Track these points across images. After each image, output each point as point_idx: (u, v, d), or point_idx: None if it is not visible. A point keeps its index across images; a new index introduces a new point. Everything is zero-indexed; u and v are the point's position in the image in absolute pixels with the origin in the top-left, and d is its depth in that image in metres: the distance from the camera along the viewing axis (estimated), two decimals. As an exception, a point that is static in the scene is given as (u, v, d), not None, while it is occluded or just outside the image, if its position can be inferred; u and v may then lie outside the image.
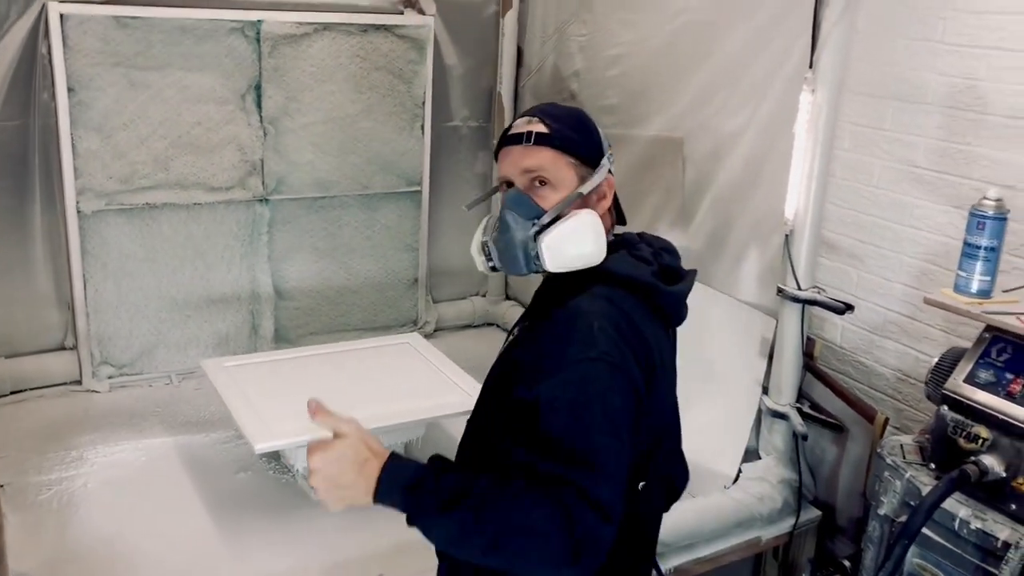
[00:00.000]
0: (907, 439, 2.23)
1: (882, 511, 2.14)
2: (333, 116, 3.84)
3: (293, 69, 3.69)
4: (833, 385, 2.83)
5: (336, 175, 3.92)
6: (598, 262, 1.39)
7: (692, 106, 3.17)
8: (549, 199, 1.40)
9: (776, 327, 2.82)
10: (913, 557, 2.04)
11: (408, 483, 1.20)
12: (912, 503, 2.03)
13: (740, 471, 2.85)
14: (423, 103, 4.03)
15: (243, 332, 3.90)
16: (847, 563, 2.41)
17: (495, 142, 4.50)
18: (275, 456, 3.04)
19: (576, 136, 1.43)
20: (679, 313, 1.47)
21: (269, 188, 3.78)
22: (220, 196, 3.68)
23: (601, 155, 1.46)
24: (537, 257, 1.39)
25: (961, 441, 1.97)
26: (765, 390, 2.88)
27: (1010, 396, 1.91)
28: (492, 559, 1.18)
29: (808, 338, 2.84)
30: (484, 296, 4.57)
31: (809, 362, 2.86)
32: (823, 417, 2.84)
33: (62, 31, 3.22)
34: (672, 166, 3.26)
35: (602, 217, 1.43)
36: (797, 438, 2.81)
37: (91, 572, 2.50)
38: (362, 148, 3.95)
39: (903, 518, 2.05)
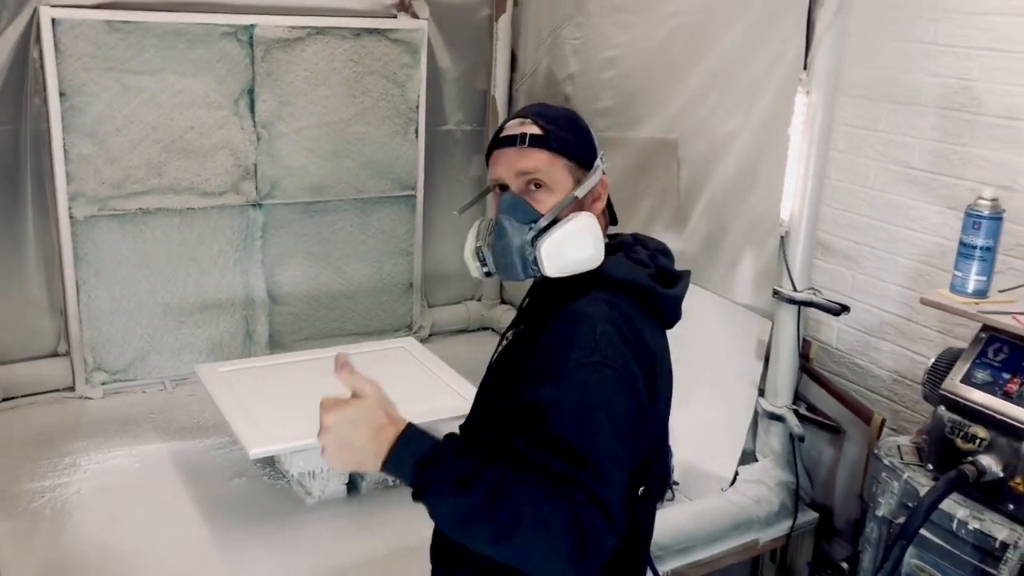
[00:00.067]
0: (904, 440, 2.23)
1: (880, 512, 2.13)
2: (327, 120, 3.83)
3: (286, 73, 3.68)
4: (829, 387, 2.83)
5: (330, 179, 3.91)
6: (596, 265, 1.38)
7: (687, 108, 3.17)
8: (545, 202, 1.39)
9: (772, 329, 2.82)
10: (911, 558, 2.03)
11: (423, 457, 1.16)
12: (910, 504, 2.03)
13: (737, 473, 2.84)
14: (417, 107, 4.02)
15: (237, 337, 3.88)
16: (845, 565, 2.40)
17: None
18: (270, 462, 3.02)
19: (571, 137, 1.42)
20: (676, 315, 1.47)
21: (263, 193, 3.76)
22: (213, 201, 3.67)
23: (595, 156, 1.45)
24: (535, 262, 1.38)
25: (958, 441, 1.97)
26: (761, 392, 2.87)
27: (1007, 396, 1.91)
28: (496, 547, 1.15)
29: (804, 340, 2.84)
30: (479, 300, 4.56)
31: (805, 364, 2.86)
32: (819, 419, 2.84)
33: (54, 35, 3.20)
34: (667, 169, 3.26)
35: (597, 219, 1.42)
36: (794, 440, 2.80)
37: (85, 580, 2.48)
38: (356, 152, 3.94)
39: (901, 519, 2.04)
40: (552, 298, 1.40)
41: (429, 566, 1.54)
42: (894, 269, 2.67)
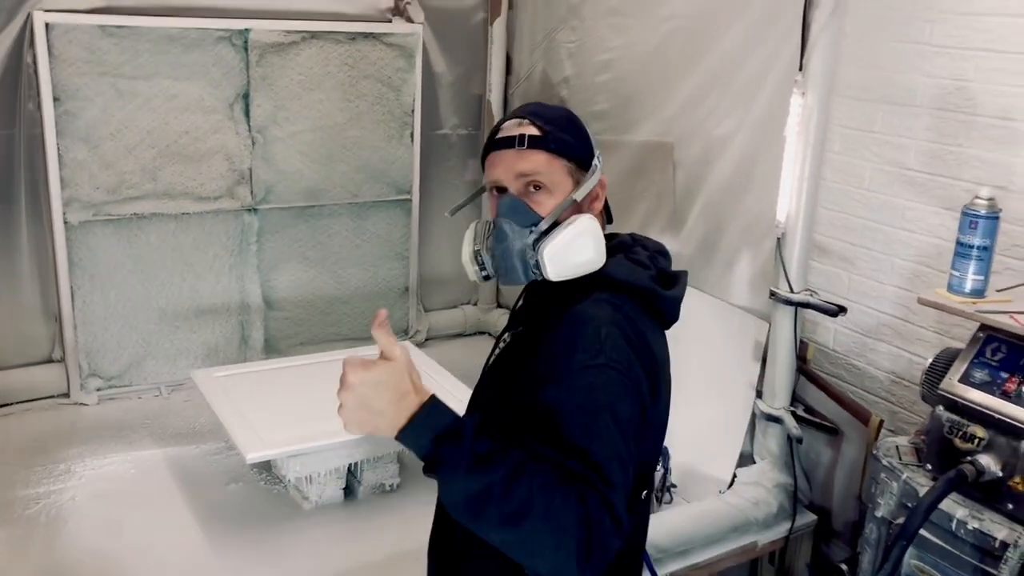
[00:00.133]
0: (902, 440, 2.22)
1: (879, 513, 2.13)
2: (322, 125, 3.82)
3: (281, 78, 3.68)
4: (827, 388, 2.83)
5: (325, 184, 3.90)
6: (598, 268, 1.37)
7: (682, 111, 3.18)
8: (545, 205, 1.37)
9: (769, 330, 2.82)
10: (911, 558, 2.03)
11: (443, 431, 1.13)
12: (909, 504, 2.02)
13: (735, 476, 2.84)
14: (412, 111, 4.02)
15: (233, 343, 3.87)
16: (844, 567, 2.40)
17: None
18: (266, 466, 3.01)
19: (569, 138, 1.40)
20: (675, 317, 1.46)
21: (258, 197, 3.76)
22: (208, 206, 3.66)
23: (592, 155, 1.43)
24: (536, 266, 1.36)
25: (957, 441, 1.97)
26: (759, 394, 2.87)
27: (1005, 395, 1.91)
28: (502, 533, 1.12)
29: (801, 342, 2.83)
30: (475, 305, 4.55)
31: (802, 365, 2.86)
32: (817, 420, 2.84)
33: (47, 40, 3.19)
34: (662, 171, 3.26)
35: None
36: (792, 442, 2.80)
37: (80, 586, 2.47)
38: (351, 157, 3.93)
39: (900, 520, 2.04)
40: (552, 300, 1.39)
41: (425, 571, 1.53)
42: (890, 270, 2.67)
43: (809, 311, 2.76)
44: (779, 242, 2.72)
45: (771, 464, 2.83)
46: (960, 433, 1.97)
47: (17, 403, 3.43)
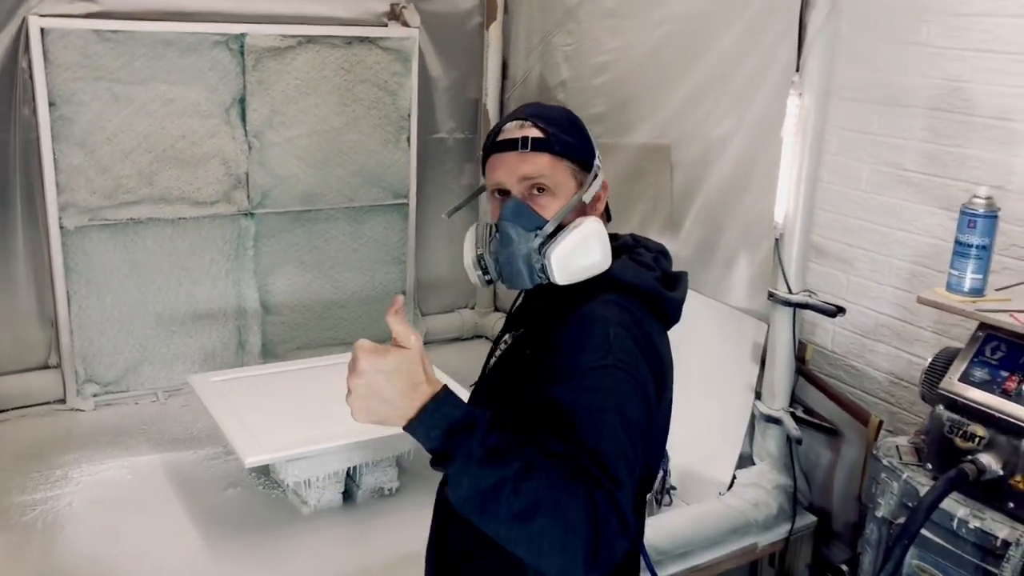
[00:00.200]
0: (902, 440, 2.22)
1: (879, 513, 2.12)
2: (318, 129, 3.82)
3: (277, 82, 3.68)
4: (826, 389, 2.82)
5: (322, 188, 3.90)
6: (604, 270, 1.36)
7: (679, 113, 3.18)
8: (549, 207, 1.36)
9: (768, 331, 2.82)
10: (912, 558, 2.02)
11: (455, 423, 1.10)
12: (910, 504, 2.02)
13: (734, 477, 2.83)
14: (408, 115, 4.02)
15: (230, 348, 3.86)
16: (845, 567, 2.39)
17: (481, 153, 4.48)
18: (264, 471, 3.00)
19: (572, 140, 1.39)
20: (677, 318, 1.45)
21: (254, 202, 3.75)
22: (205, 210, 3.65)
23: (594, 156, 1.43)
24: (543, 270, 1.34)
25: (958, 440, 1.96)
26: (758, 395, 2.86)
27: (1005, 393, 1.91)
28: (509, 529, 1.10)
29: (799, 343, 2.83)
30: (473, 308, 4.55)
31: (801, 366, 2.85)
32: (816, 421, 2.83)
33: (43, 45, 3.19)
34: (660, 173, 3.26)
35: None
36: (791, 443, 2.79)
37: (78, 593, 2.46)
38: (348, 161, 3.93)
39: (901, 520, 2.03)
40: (556, 302, 1.38)
41: (424, 575, 1.52)
42: (888, 271, 2.67)
43: (807, 312, 2.76)
44: (777, 243, 2.72)
45: (770, 465, 2.82)
46: (960, 432, 1.96)
47: (13, 409, 3.42)
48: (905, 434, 2.42)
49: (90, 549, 2.62)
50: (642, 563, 1.57)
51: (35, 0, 3.18)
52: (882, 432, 2.64)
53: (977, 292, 2.05)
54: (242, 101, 3.62)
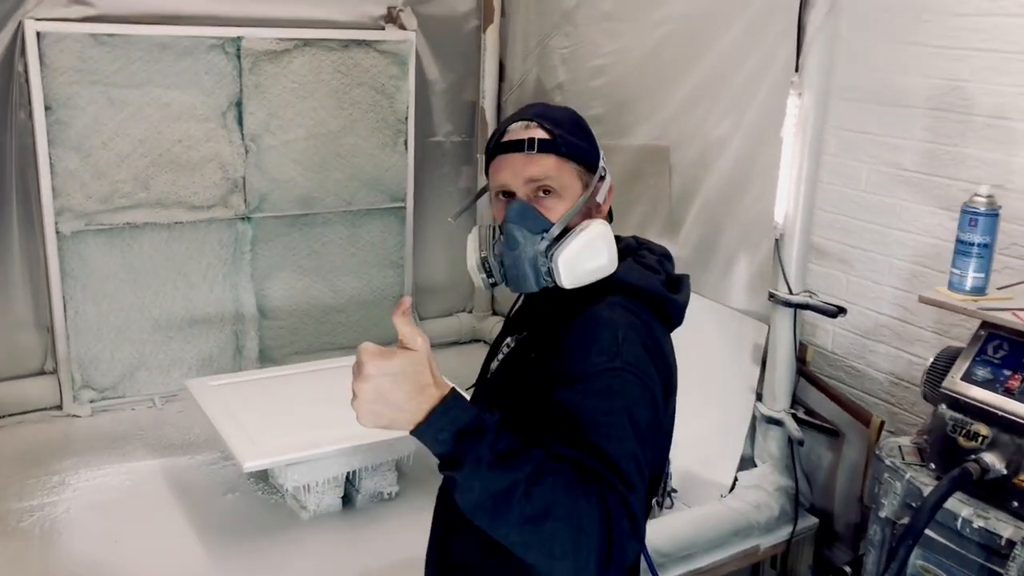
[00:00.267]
0: (905, 440, 2.21)
1: (883, 514, 2.11)
2: (315, 132, 3.81)
3: (274, 86, 3.67)
4: (827, 389, 2.82)
5: (319, 192, 3.89)
6: (610, 273, 1.35)
7: (678, 114, 3.18)
8: (555, 210, 1.34)
9: (768, 333, 2.81)
10: (916, 559, 2.01)
11: (465, 427, 1.07)
12: (913, 504, 2.01)
13: (736, 479, 2.82)
14: (406, 118, 4.01)
15: (227, 353, 3.84)
16: (848, 569, 2.39)
17: (479, 156, 4.47)
18: (263, 476, 2.98)
19: (578, 141, 1.38)
20: (681, 321, 1.44)
21: (251, 206, 3.74)
22: (202, 215, 3.64)
23: (599, 157, 1.42)
24: (549, 273, 1.33)
25: (961, 439, 1.96)
26: (759, 397, 2.85)
27: (1008, 392, 1.90)
28: (520, 533, 1.08)
29: (800, 344, 2.83)
30: (470, 312, 4.53)
31: (802, 367, 2.85)
32: (818, 422, 2.83)
33: (39, 49, 3.18)
34: (658, 175, 3.26)
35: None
36: (793, 444, 2.79)
37: (75, 599, 2.44)
38: (345, 164, 3.92)
39: (904, 520, 2.03)
40: (561, 305, 1.36)
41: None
42: (888, 271, 2.67)
43: (807, 313, 2.76)
44: (777, 243, 2.71)
45: (772, 467, 2.81)
46: (963, 431, 1.95)
47: (9, 416, 3.40)
48: (906, 435, 2.41)
49: (88, 555, 2.60)
50: (644, 565, 1.56)
51: (31, 4, 3.18)
52: (883, 433, 2.63)
53: (979, 291, 2.04)
54: (238, 105, 3.61)
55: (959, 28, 2.40)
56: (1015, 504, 1.86)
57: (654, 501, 2.54)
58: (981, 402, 1.93)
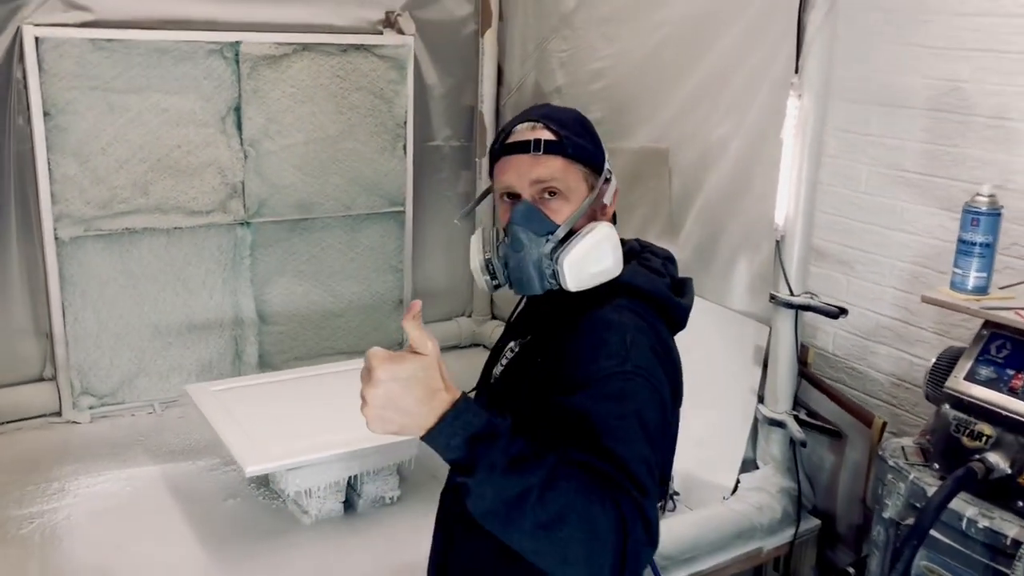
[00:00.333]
0: (907, 441, 2.21)
1: (886, 515, 2.11)
2: (314, 137, 3.81)
3: (273, 90, 3.67)
4: (829, 391, 2.82)
5: (318, 196, 3.88)
6: (615, 276, 1.34)
7: (677, 116, 3.18)
8: (561, 211, 1.33)
9: (769, 334, 2.81)
10: (920, 559, 2.00)
11: (478, 432, 1.05)
12: (917, 505, 2.00)
13: (738, 482, 2.82)
14: (404, 123, 4.01)
15: (226, 358, 3.83)
16: (852, 570, 2.38)
17: (478, 160, 4.45)
18: (264, 481, 2.97)
19: (585, 143, 1.37)
20: (685, 324, 1.44)
21: (250, 211, 3.73)
22: (201, 220, 3.63)
23: (604, 159, 1.41)
24: (554, 275, 1.32)
25: (964, 439, 1.96)
26: (761, 399, 2.85)
27: (1012, 391, 1.90)
28: (534, 539, 1.07)
29: (801, 345, 2.82)
30: (470, 316, 4.52)
31: (803, 369, 2.84)
32: (820, 424, 2.82)
33: (37, 55, 3.17)
34: (658, 177, 3.26)
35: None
36: (795, 446, 2.78)
37: (76, 606, 2.43)
38: (344, 169, 3.92)
39: (909, 521, 2.02)
40: (566, 308, 1.35)
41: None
42: (889, 272, 2.67)
43: (808, 315, 2.76)
44: (778, 245, 2.71)
45: (774, 469, 2.81)
46: (967, 431, 1.95)
47: (8, 423, 3.38)
48: (908, 435, 2.41)
49: (89, 562, 2.59)
50: (648, 568, 1.55)
51: (30, 9, 3.17)
52: (885, 434, 2.63)
53: (981, 290, 2.04)
54: (237, 110, 3.61)
55: (959, 28, 2.41)
56: (1020, 504, 1.86)
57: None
58: (985, 401, 1.93)
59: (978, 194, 2.03)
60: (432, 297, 4.36)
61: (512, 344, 1.46)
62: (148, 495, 2.98)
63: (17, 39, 3.16)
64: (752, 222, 2.90)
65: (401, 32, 3.92)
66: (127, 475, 3.08)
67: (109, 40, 3.29)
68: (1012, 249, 2.31)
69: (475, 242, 1.43)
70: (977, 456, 1.90)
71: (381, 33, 3.90)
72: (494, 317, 4.52)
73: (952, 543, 1.95)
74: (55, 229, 3.34)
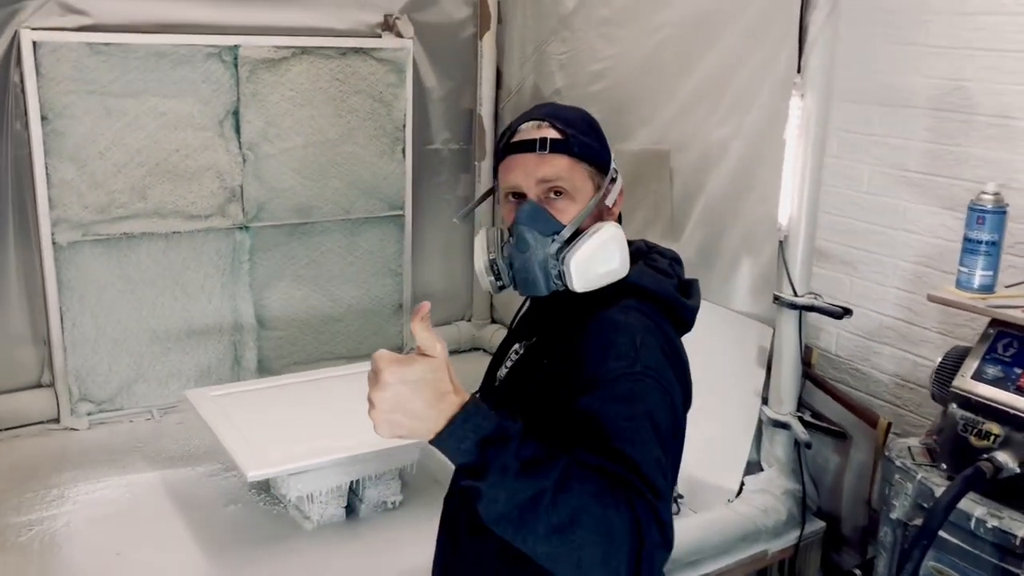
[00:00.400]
0: (914, 441, 2.20)
1: (894, 515, 2.10)
2: (313, 141, 3.79)
3: (271, 94, 3.65)
4: (833, 392, 2.80)
5: (317, 200, 3.86)
6: (621, 276, 1.33)
7: (678, 118, 3.17)
8: (567, 211, 1.32)
9: (773, 335, 2.79)
10: (928, 560, 1.99)
11: (489, 435, 1.04)
12: (925, 505, 2.00)
13: (743, 484, 2.80)
14: (404, 126, 3.99)
15: (225, 364, 3.81)
16: (858, 572, 2.37)
17: (477, 163, 4.44)
18: (265, 487, 2.95)
19: (591, 142, 1.35)
20: (692, 326, 1.42)
21: (249, 215, 3.71)
22: (199, 224, 3.61)
23: (610, 158, 1.40)
24: (560, 276, 1.31)
25: (972, 439, 1.95)
26: (764, 400, 2.84)
27: (1020, 390, 1.89)
28: (547, 543, 1.05)
29: (805, 346, 2.81)
30: (469, 320, 4.50)
31: (807, 370, 2.83)
32: (824, 425, 2.81)
33: (35, 58, 3.15)
34: (659, 179, 3.25)
35: None
36: (799, 448, 2.77)
37: (76, 614, 2.41)
38: (343, 173, 3.90)
39: (916, 521, 2.01)
40: (571, 309, 1.34)
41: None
42: (892, 272, 2.66)
43: (811, 316, 2.75)
44: (781, 245, 2.70)
45: (779, 471, 2.79)
46: (975, 430, 1.94)
47: (5, 429, 3.35)
48: (913, 436, 2.40)
49: (89, 569, 2.56)
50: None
51: (27, 13, 3.15)
52: (890, 435, 2.62)
53: (987, 289, 2.04)
54: (236, 113, 3.59)
55: (960, 28, 2.41)
56: (1029, 503, 1.86)
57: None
58: (992, 400, 1.92)
59: (983, 192, 2.03)
60: (431, 301, 4.30)
61: (517, 346, 1.44)
62: (148, 501, 2.95)
63: (15, 43, 3.14)
64: (754, 223, 2.89)
65: (400, 35, 3.91)
66: (126, 481, 3.06)
67: (107, 44, 3.27)
68: (1017, 248, 2.30)
69: (479, 243, 1.41)
70: (985, 455, 1.89)
71: (380, 36, 3.88)
72: (494, 321, 4.50)
73: (960, 543, 1.94)
74: (53, 234, 3.32)
